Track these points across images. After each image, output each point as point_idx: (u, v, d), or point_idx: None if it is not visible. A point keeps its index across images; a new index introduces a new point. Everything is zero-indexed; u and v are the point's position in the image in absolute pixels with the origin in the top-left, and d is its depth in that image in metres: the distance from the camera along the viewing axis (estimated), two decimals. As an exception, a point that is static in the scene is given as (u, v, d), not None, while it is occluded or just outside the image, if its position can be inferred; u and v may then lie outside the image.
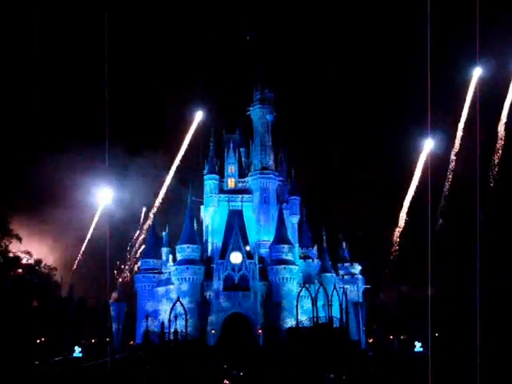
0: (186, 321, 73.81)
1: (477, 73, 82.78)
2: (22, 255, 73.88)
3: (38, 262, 77.74)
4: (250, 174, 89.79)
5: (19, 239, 73.42)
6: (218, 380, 61.88)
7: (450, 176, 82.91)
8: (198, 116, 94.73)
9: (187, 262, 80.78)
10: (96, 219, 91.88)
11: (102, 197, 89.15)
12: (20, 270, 69.02)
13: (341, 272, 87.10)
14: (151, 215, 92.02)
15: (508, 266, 68.19)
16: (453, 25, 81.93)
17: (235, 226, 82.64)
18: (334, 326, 76.21)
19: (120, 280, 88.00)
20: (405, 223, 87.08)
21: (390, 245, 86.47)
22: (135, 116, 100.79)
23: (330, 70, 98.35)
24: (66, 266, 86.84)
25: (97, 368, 64.38)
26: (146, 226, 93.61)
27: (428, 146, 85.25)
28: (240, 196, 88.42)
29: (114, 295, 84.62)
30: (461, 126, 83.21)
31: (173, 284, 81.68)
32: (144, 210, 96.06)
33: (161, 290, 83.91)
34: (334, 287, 79.79)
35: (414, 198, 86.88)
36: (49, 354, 69.06)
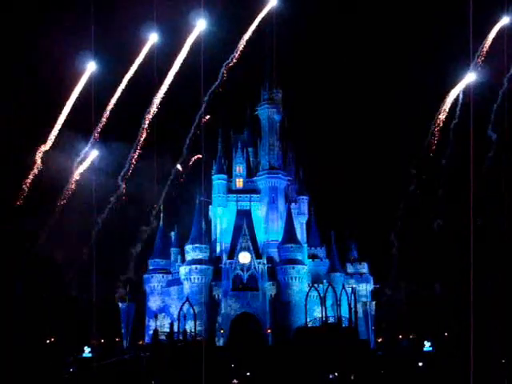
0: (195, 321, 73.91)
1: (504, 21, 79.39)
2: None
3: (47, 261, 78.21)
4: (258, 173, 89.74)
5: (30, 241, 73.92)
6: (226, 380, 62.02)
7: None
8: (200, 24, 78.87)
9: (196, 262, 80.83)
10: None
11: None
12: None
13: (349, 271, 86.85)
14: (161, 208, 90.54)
15: None
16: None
17: (243, 225, 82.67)
18: (343, 325, 75.99)
19: (127, 279, 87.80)
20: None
21: (393, 243, 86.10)
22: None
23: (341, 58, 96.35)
24: (74, 265, 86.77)
25: (107, 368, 64.66)
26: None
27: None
28: (248, 196, 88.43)
29: (121, 292, 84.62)
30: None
31: (181, 284, 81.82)
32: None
33: (170, 289, 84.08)
34: (343, 287, 79.64)
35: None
36: (59, 354, 69.32)
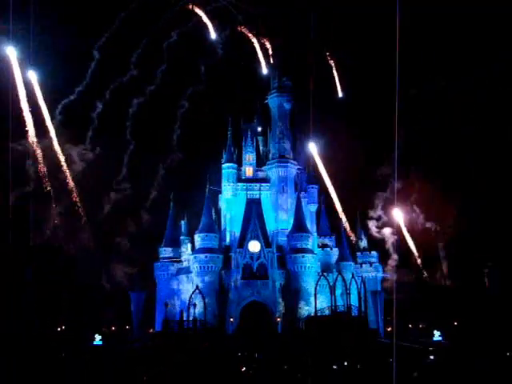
0: (205, 309, 74.25)
1: None
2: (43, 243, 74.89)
3: (59, 249, 78.70)
4: (267, 162, 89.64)
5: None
6: (235, 368, 62.23)
7: None
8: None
9: (206, 250, 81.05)
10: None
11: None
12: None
13: (359, 260, 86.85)
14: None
15: None
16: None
17: (253, 214, 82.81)
18: (353, 314, 76.11)
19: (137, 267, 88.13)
20: None
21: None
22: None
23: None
24: (86, 253, 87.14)
25: (118, 355, 65.10)
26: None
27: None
28: (258, 185, 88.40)
29: (131, 280, 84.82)
30: None
31: (191, 272, 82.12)
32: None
33: (179, 278, 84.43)
34: (353, 276, 79.65)
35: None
36: (69, 341, 69.76)
